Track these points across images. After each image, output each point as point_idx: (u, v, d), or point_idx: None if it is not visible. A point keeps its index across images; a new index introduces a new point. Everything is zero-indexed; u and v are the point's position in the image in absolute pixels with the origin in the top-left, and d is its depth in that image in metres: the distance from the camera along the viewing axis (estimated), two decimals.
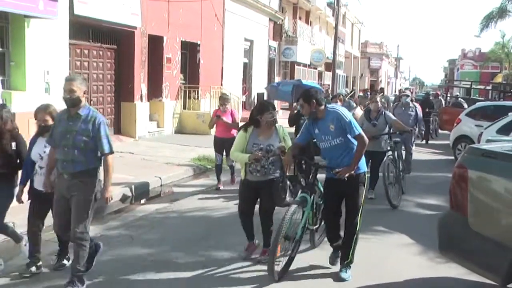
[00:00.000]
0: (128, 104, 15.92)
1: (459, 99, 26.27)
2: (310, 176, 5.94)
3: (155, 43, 17.09)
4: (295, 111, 10.15)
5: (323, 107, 5.71)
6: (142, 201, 9.74)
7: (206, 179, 11.56)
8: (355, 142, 5.69)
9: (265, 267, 5.73)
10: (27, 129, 11.27)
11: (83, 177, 5.16)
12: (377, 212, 8.68)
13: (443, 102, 25.07)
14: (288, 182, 6.12)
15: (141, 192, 9.98)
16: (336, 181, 5.69)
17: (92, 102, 14.81)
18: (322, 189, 6.21)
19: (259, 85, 26.43)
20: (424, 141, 19.28)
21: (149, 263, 6.13)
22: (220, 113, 10.29)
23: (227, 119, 10.14)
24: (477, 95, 34.44)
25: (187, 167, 12.13)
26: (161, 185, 10.69)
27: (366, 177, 5.85)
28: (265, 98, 17.91)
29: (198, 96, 19.58)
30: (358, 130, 5.65)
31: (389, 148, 9.75)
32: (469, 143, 12.43)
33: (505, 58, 51.65)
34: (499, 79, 46.18)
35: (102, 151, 5.20)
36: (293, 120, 10.36)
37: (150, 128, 16.98)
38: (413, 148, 15.84)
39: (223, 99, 10.50)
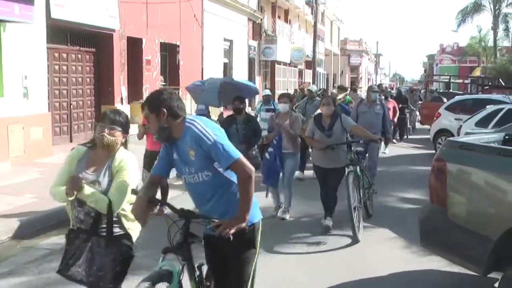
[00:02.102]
0: (108, 107, 15.81)
1: (434, 93, 26.63)
2: (182, 233, 3.63)
3: (134, 45, 17.01)
4: (227, 113, 8.92)
5: (179, 120, 3.56)
6: None
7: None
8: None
9: None
10: (6, 134, 11.20)
11: None
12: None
13: (420, 97, 25.43)
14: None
15: None
16: (216, 240, 3.54)
17: (72, 106, 14.72)
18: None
19: None
20: (395, 140, 18.33)
21: None
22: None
23: None
24: (456, 89, 34.74)
25: None
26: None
27: (259, 231, 3.74)
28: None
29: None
30: (233, 154, 3.45)
31: (349, 161, 7.56)
32: (449, 137, 12.56)
33: (482, 52, 52.28)
34: (477, 72, 46.71)
35: None
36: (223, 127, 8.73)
37: (131, 130, 16.84)
38: (386, 152, 15.42)
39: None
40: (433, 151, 15.40)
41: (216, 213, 3.58)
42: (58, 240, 7.01)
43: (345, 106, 13.05)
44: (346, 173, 7.41)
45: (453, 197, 4.83)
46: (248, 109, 15.04)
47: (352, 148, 7.70)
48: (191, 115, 3.87)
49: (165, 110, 3.54)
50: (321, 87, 26.61)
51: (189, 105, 18.79)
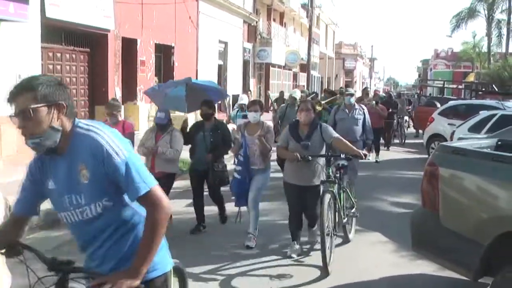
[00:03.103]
0: (102, 107, 15.65)
1: (421, 97, 26.79)
2: None
3: (129, 46, 16.97)
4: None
5: (70, 124, 2.58)
6: None
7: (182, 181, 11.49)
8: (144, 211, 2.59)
9: None
10: None
11: None
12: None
13: (409, 100, 25.36)
14: None
15: None
16: None
17: None
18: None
19: (234, 87, 26.43)
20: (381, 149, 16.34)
21: None
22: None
23: None
24: (450, 95, 34.88)
25: None
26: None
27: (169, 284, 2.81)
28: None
29: None
30: (148, 182, 2.53)
31: (327, 177, 6.52)
32: (442, 142, 12.60)
33: (476, 58, 52.48)
34: (471, 78, 46.84)
35: None
36: (187, 136, 7.84)
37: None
38: (378, 160, 14.79)
39: (111, 107, 7.79)
40: (426, 156, 15.45)
41: (111, 261, 2.65)
42: (49, 238, 7.01)
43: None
44: (322, 191, 6.39)
45: (445, 202, 4.84)
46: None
47: (333, 162, 6.63)
48: (94, 121, 2.75)
49: (64, 104, 2.53)
50: (313, 91, 25.92)
51: None
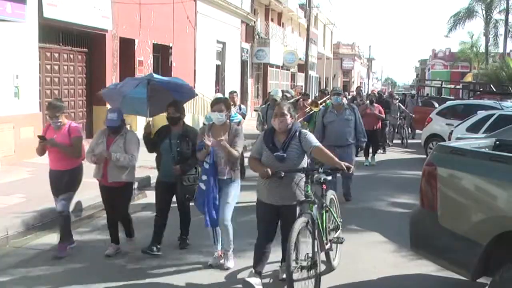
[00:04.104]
0: (100, 108, 15.72)
1: (415, 97, 26.48)
2: None
3: (127, 46, 16.95)
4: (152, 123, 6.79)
5: None
6: None
7: None
8: None
9: None
10: None
11: None
12: (350, 211, 8.72)
13: (408, 104, 24.88)
14: None
15: None
16: None
17: None
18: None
19: (232, 87, 26.39)
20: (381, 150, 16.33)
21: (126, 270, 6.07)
22: (50, 131, 6.56)
23: (62, 139, 6.42)
24: (448, 95, 34.91)
25: None
26: (134, 188, 10.51)
27: None
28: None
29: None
30: None
31: (305, 196, 5.29)
32: (440, 142, 12.62)
33: (474, 58, 52.57)
34: (469, 78, 46.88)
35: None
36: (151, 143, 6.70)
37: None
38: (375, 163, 14.02)
39: (53, 108, 6.47)
40: (424, 156, 15.46)
41: None
42: (48, 240, 7.00)
43: None
44: (297, 213, 5.30)
45: (443, 202, 4.84)
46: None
47: (315, 176, 5.41)
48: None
49: None
50: (305, 92, 23.88)
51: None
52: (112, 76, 16.08)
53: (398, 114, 19.28)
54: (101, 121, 6.77)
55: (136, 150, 6.46)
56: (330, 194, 6.20)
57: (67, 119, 6.68)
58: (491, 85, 28.88)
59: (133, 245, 6.66)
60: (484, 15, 43.53)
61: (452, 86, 40.00)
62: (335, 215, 6.28)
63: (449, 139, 12.78)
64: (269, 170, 5.20)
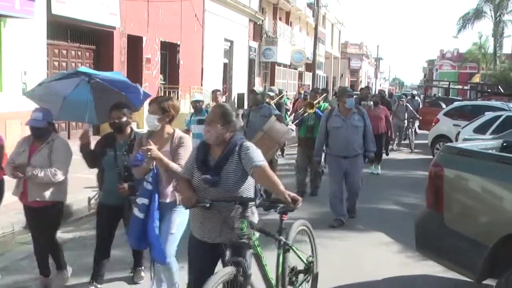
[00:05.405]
0: None
1: (415, 97, 25.01)
2: None
3: (135, 44, 16.99)
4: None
5: None
6: None
7: None
8: None
9: None
10: (3, 129, 11.17)
11: None
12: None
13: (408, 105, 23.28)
14: None
15: None
16: None
17: None
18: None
19: (240, 85, 26.44)
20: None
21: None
22: None
23: None
24: (455, 95, 34.82)
25: None
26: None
27: None
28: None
29: (178, 97, 19.49)
30: None
31: (238, 236, 3.86)
32: (447, 142, 12.55)
33: (482, 59, 52.40)
34: (476, 79, 46.78)
35: None
36: (90, 155, 5.40)
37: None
38: (379, 172, 12.45)
39: None
40: (431, 157, 15.41)
41: None
42: None
43: (320, 113, 9.58)
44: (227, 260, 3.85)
45: (449, 203, 4.82)
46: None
47: (256, 202, 3.99)
48: None
49: None
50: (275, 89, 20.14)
51: (188, 103, 18.75)
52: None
53: (406, 115, 17.98)
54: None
55: (63, 163, 5.18)
56: (298, 227, 4.60)
57: None
58: (499, 86, 28.81)
59: (63, 280, 5.44)
60: (493, 16, 43.39)
61: (460, 87, 39.89)
62: (302, 257, 4.56)
63: (456, 140, 12.73)
64: (193, 197, 3.89)
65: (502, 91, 26.70)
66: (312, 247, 4.87)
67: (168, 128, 4.78)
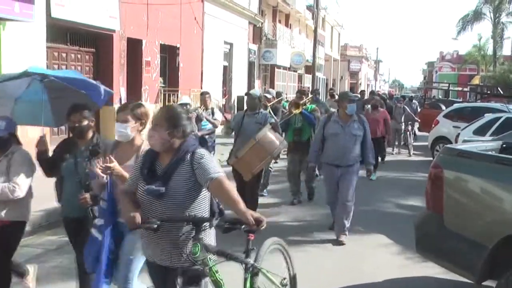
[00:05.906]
0: (107, 108, 15.68)
1: (413, 100, 24.66)
2: None
3: (134, 47, 17.00)
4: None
5: None
6: None
7: None
8: None
9: None
10: None
11: None
12: (355, 213, 8.69)
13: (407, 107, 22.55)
14: None
15: None
16: None
17: None
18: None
19: (239, 88, 26.45)
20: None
21: None
22: None
23: None
24: (455, 97, 34.85)
25: None
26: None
27: None
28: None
29: (177, 99, 19.51)
30: None
31: (194, 262, 3.36)
32: (447, 144, 12.54)
33: (481, 61, 52.45)
34: (476, 81, 46.79)
35: None
36: (47, 163, 5.00)
37: None
38: (374, 178, 10.82)
39: None
40: (431, 158, 15.42)
41: None
42: (52, 239, 7.03)
43: (309, 115, 9.34)
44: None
45: (449, 204, 4.82)
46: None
47: (213, 222, 3.51)
48: None
49: None
50: (272, 91, 18.88)
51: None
52: (119, 76, 16.13)
53: (403, 118, 17.41)
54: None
55: (23, 177, 4.68)
56: (269, 246, 3.99)
57: None
58: (499, 88, 28.83)
59: None
60: (492, 18, 43.46)
61: (460, 88, 39.92)
62: (274, 280, 3.98)
63: (456, 142, 12.74)
64: (136, 216, 3.34)
65: (502, 92, 26.74)
66: (289, 269, 4.27)
67: (137, 139, 4.23)
